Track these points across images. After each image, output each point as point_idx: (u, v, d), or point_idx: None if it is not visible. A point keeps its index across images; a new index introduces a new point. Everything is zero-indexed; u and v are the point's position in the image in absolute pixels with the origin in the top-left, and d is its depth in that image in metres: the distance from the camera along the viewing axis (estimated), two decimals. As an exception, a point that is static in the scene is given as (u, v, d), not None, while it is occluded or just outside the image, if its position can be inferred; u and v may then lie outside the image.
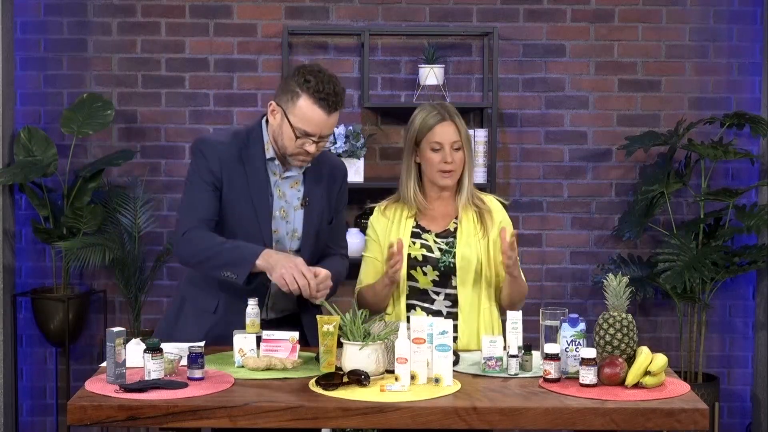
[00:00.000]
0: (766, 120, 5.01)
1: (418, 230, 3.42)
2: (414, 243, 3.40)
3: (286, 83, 3.22)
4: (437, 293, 3.38)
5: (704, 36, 5.25)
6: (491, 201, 3.47)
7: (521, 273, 3.36)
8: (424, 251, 3.38)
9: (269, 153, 3.28)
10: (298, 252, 3.32)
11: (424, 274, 3.39)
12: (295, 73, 3.21)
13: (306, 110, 3.16)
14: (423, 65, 5.04)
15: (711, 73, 5.25)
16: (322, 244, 3.39)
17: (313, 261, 3.30)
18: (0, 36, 4.90)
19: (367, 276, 3.46)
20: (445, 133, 3.35)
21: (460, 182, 3.40)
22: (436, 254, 3.38)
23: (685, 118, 5.10)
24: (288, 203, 3.31)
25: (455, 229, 3.40)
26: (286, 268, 3.09)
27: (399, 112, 5.17)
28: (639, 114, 5.26)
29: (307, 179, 3.33)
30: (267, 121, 3.30)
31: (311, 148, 3.19)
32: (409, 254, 3.38)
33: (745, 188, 5.10)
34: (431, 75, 5.01)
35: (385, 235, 3.43)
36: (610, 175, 5.28)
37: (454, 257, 3.36)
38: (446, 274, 3.37)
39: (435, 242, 3.39)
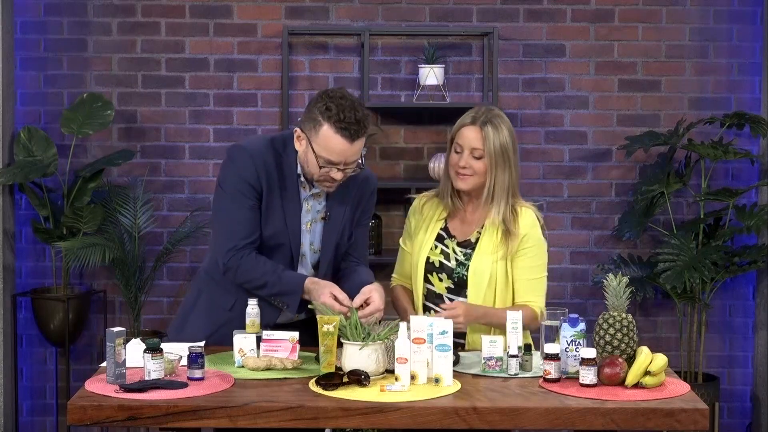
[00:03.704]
0: (766, 120, 5.01)
1: (443, 234, 3.40)
2: (435, 247, 3.39)
3: (310, 110, 3.14)
4: (451, 299, 3.36)
5: (704, 36, 5.24)
6: (524, 216, 3.37)
7: (496, 313, 3.29)
8: (442, 258, 3.38)
9: (299, 167, 3.23)
10: (317, 265, 3.31)
11: (440, 280, 3.38)
12: (317, 99, 3.13)
13: (328, 139, 3.09)
14: (423, 65, 5.04)
15: (711, 73, 5.25)
16: (340, 256, 3.37)
17: (331, 273, 3.31)
18: (0, 36, 4.90)
19: (402, 268, 3.49)
20: (468, 137, 3.31)
21: (488, 194, 3.33)
22: (452, 264, 3.36)
23: (685, 118, 5.10)
24: (310, 216, 3.29)
25: (477, 240, 3.37)
26: (325, 294, 3.11)
27: (399, 112, 5.17)
28: (639, 114, 5.26)
29: (331, 194, 3.28)
30: None
31: (337, 175, 3.15)
32: (428, 258, 3.38)
33: (745, 188, 5.09)
34: (431, 75, 5.01)
35: (416, 232, 3.44)
36: (610, 175, 5.28)
37: (467, 270, 3.34)
38: (460, 285, 3.35)
39: (454, 251, 3.37)
